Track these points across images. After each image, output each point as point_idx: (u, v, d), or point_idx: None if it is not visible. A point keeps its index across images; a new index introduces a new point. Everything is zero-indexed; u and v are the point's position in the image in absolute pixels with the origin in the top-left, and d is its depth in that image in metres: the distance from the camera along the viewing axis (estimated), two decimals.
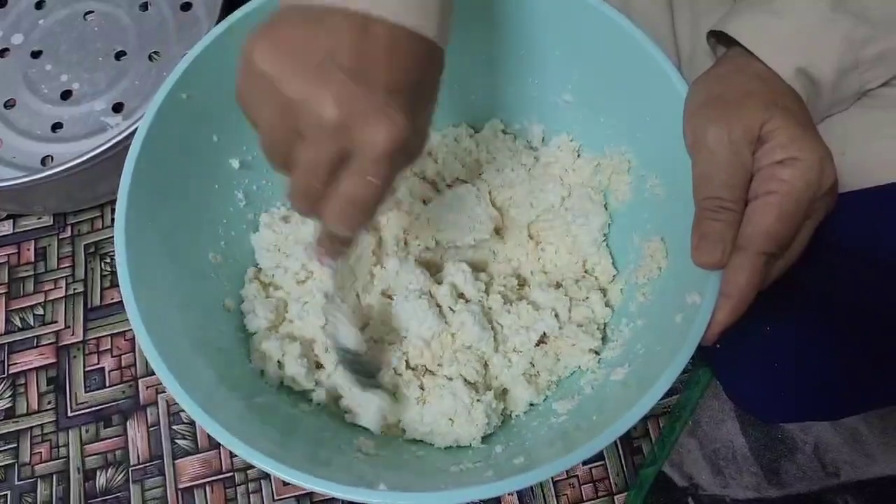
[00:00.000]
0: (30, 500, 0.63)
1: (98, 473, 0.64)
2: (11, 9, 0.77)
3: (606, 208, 0.55)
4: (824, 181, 0.37)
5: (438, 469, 0.44)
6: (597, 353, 0.49)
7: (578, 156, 0.56)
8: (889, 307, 0.46)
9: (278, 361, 0.48)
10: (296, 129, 0.31)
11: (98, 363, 0.67)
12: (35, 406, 0.66)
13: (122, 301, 0.40)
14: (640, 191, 0.51)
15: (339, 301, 0.49)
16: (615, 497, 0.61)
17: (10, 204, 0.71)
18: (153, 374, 0.62)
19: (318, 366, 0.49)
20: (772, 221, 0.36)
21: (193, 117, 0.48)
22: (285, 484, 0.62)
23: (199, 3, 0.75)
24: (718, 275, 0.38)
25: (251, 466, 0.63)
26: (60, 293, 0.70)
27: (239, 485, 0.63)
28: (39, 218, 0.74)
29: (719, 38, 0.47)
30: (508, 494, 0.62)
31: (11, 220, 0.74)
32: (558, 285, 0.53)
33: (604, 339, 0.50)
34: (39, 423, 0.66)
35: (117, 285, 0.41)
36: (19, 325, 0.69)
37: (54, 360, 0.68)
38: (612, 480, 0.62)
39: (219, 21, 0.49)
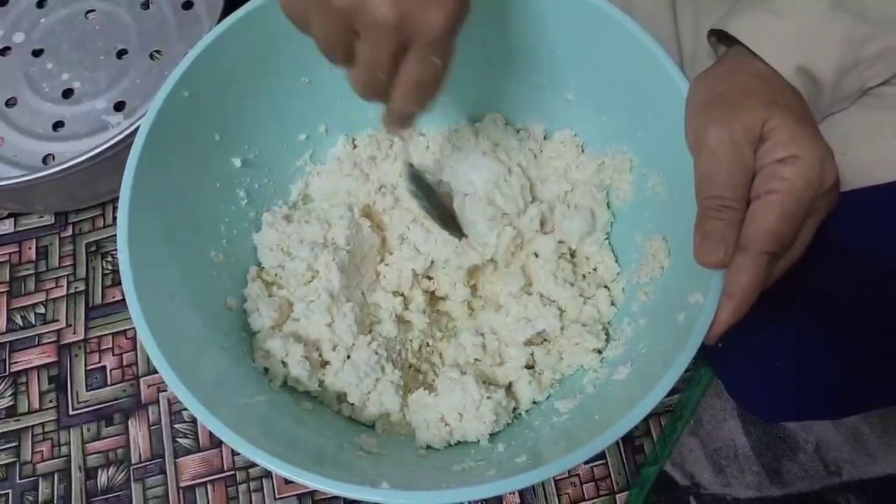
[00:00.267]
0: (31, 498, 0.63)
1: (99, 472, 0.64)
2: (12, 7, 0.77)
3: (609, 207, 0.55)
4: (825, 179, 0.37)
5: (441, 467, 0.44)
6: (599, 352, 0.49)
7: (582, 151, 0.56)
8: (890, 307, 0.46)
9: (282, 361, 0.48)
10: (352, 29, 0.33)
11: (99, 362, 0.67)
12: (36, 405, 0.66)
13: (123, 300, 0.40)
14: (641, 190, 0.51)
15: (344, 299, 0.49)
16: (617, 496, 0.61)
17: (11, 202, 0.71)
18: (154, 372, 0.63)
19: (324, 364, 0.49)
20: (774, 220, 0.36)
21: (195, 116, 0.48)
22: (287, 482, 0.62)
23: (200, 1, 0.75)
24: (721, 274, 0.38)
25: (252, 465, 0.63)
26: (62, 292, 0.70)
27: (240, 483, 0.63)
28: (41, 217, 0.74)
29: (720, 37, 0.47)
30: (510, 493, 0.62)
31: (13, 219, 0.74)
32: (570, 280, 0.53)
33: (606, 338, 0.50)
34: (41, 421, 0.66)
35: (118, 284, 0.41)
36: (21, 323, 0.69)
37: (56, 359, 0.68)
38: (613, 479, 0.62)
39: (220, 20, 0.49)
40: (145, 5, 0.76)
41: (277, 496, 0.62)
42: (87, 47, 0.74)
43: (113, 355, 0.67)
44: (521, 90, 0.56)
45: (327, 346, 0.49)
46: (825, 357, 0.49)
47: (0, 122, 0.71)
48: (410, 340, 0.51)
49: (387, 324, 0.51)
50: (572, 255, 0.54)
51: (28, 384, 0.67)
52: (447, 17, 0.33)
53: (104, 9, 0.76)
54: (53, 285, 0.71)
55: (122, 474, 0.63)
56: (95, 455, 0.64)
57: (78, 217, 0.73)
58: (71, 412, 0.66)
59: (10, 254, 0.72)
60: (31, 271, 0.72)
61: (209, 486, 0.63)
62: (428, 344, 0.53)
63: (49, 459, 0.64)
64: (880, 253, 0.46)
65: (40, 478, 0.64)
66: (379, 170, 0.57)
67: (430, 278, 0.54)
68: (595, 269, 0.54)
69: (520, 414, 0.49)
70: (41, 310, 0.70)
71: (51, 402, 0.66)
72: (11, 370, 0.67)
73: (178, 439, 0.64)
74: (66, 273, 0.71)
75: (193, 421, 0.65)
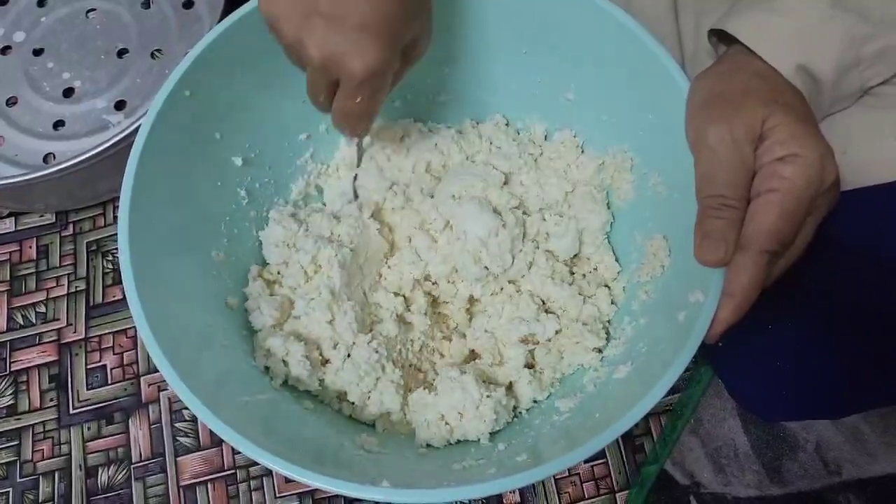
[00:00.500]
0: (31, 497, 0.63)
1: (100, 471, 0.64)
2: (13, 7, 0.77)
3: (609, 206, 0.55)
4: (825, 177, 0.37)
5: (441, 466, 0.44)
6: (600, 351, 0.49)
7: (582, 151, 0.56)
8: (891, 306, 0.46)
9: (283, 360, 0.48)
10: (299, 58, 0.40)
11: (100, 361, 0.67)
12: (37, 403, 0.66)
13: (123, 299, 0.40)
14: (642, 189, 0.51)
15: (345, 297, 0.49)
16: (617, 495, 0.61)
17: (11, 201, 0.71)
18: (155, 371, 0.63)
19: (325, 362, 0.49)
20: (774, 220, 0.36)
21: (196, 115, 0.48)
22: (287, 481, 0.62)
23: (201, 0, 0.75)
24: (721, 273, 0.38)
25: (253, 464, 0.63)
26: (62, 291, 0.70)
27: (241, 482, 0.63)
28: (41, 216, 0.74)
29: (720, 37, 0.47)
30: (510, 492, 0.62)
31: (13, 218, 0.74)
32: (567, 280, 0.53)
33: (607, 337, 0.50)
34: (41, 420, 0.66)
35: (119, 283, 0.41)
36: (21, 322, 0.69)
37: (56, 358, 0.68)
38: (613, 478, 0.62)
39: (221, 19, 0.49)
40: (146, 4, 0.76)
41: (278, 495, 0.62)
42: (87, 46, 0.74)
43: (113, 354, 0.68)
44: (522, 90, 0.56)
45: (328, 344, 0.49)
46: (825, 356, 0.49)
47: (1, 121, 0.72)
48: (411, 341, 0.51)
49: (387, 323, 0.51)
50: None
51: (28, 383, 0.67)
52: (366, 67, 0.38)
53: (105, 8, 0.76)
54: (54, 284, 0.71)
55: (123, 473, 0.64)
56: (96, 454, 0.64)
57: (78, 216, 0.73)
58: (71, 411, 0.66)
59: (10, 253, 0.72)
60: (32, 270, 0.72)
61: (210, 485, 0.63)
62: (428, 344, 0.53)
63: (49, 458, 0.64)
64: (881, 252, 0.46)
65: (41, 476, 0.64)
66: (393, 166, 0.57)
67: (433, 283, 0.54)
68: (595, 269, 0.54)
69: (520, 413, 0.49)
70: (42, 309, 0.70)
71: (51, 400, 0.66)
72: (12, 369, 0.68)
73: (178, 438, 0.64)
74: (66, 272, 0.71)
75: (194, 420, 0.65)
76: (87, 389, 0.66)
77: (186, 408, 0.38)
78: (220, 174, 0.51)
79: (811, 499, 0.60)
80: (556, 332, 0.50)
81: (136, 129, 0.45)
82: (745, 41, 0.41)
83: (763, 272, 0.37)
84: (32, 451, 0.65)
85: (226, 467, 0.63)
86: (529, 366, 0.51)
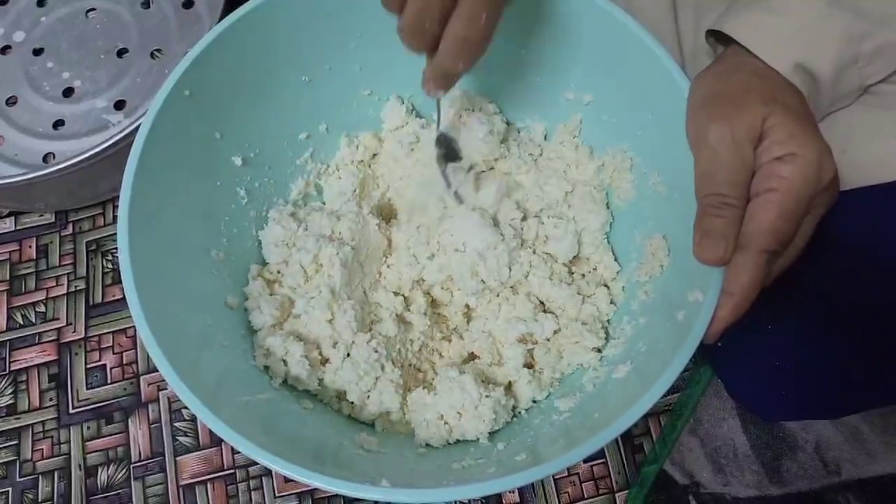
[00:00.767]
0: (31, 496, 0.63)
1: (99, 470, 0.64)
2: (12, 6, 0.77)
3: (608, 206, 0.55)
4: (823, 176, 0.37)
5: (440, 466, 0.44)
6: (599, 350, 0.49)
7: (582, 151, 0.56)
8: (889, 306, 0.46)
9: (282, 359, 0.48)
10: None
11: (99, 360, 0.67)
12: (36, 403, 0.66)
13: (123, 298, 0.40)
14: (642, 188, 0.51)
15: (345, 296, 0.49)
16: (616, 495, 0.61)
17: (11, 201, 0.71)
18: (154, 371, 0.63)
19: (324, 362, 0.49)
20: (773, 219, 0.36)
21: (196, 115, 0.48)
22: (287, 481, 0.62)
23: (200, 0, 0.75)
24: (721, 272, 0.38)
25: (252, 463, 0.63)
26: (62, 290, 0.70)
27: (240, 482, 0.63)
28: (41, 215, 0.74)
29: (718, 37, 0.47)
30: (510, 491, 0.62)
31: (13, 218, 0.74)
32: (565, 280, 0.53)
33: (606, 336, 0.50)
34: (41, 419, 0.66)
35: (119, 282, 0.41)
36: (21, 322, 0.69)
37: (56, 357, 0.68)
38: (613, 478, 0.62)
39: (221, 19, 0.49)
40: (146, 4, 0.76)
41: (277, 494, 0.62)
42: (87, 46, 0.74)
43: (113, 354, 0.68)
44: (522, 90, 0.56)
45: (327, 343, 0.49)
46: (824, 356, 0.49)
47: (0, 120, 0.72)
48: (411, 340, 0.51)
49: (387, 323, 0.51)
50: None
51: (28, 382, 0.67)
52: None
53: (105, 7, 0.76)
54: (54, 284, 0.71)
55: (122, 472, 0.64)
56: (95, 453, 0.64)
57: (78, 216, 0.73)
58: (71, 410, 0.66)
59: (10, 252, 0.72)
60: (32, 270, 0.72)
61: (209, 485, 0.63)
62: (428, 344, 0.53)
63: (49, 458, 0.64)
64: (879, 252, 0.46)
65: (40, 476, 0.64)
66: (383, 167, 0.57)
67: (431, 286, 0.54)
68: (595, 269, 0.54)
69: (519, 412, 0.49)
70: (41, 308, 0.70)
71: (51, 400, 0.66)
72: (11, 368, 0.68)
73: (178, 437, 0.64)
74: (66, 271, 0.71)
75: (193, 419, 0.65)
76: (87, 389, 0.66)
77: (186, 407, 0.38)
78: (220, 174, 0.51)
79: (811, 499, 0.60)
80: (556, 332, 0.50)
81: (136, 129, 0.45)
82: (743, 42, 0.41)
83: (762, 271, 0.37)
84: (32, 451, 0.65)
85: (225, 467, 0.63)
86: (529, 365, 0.51)
